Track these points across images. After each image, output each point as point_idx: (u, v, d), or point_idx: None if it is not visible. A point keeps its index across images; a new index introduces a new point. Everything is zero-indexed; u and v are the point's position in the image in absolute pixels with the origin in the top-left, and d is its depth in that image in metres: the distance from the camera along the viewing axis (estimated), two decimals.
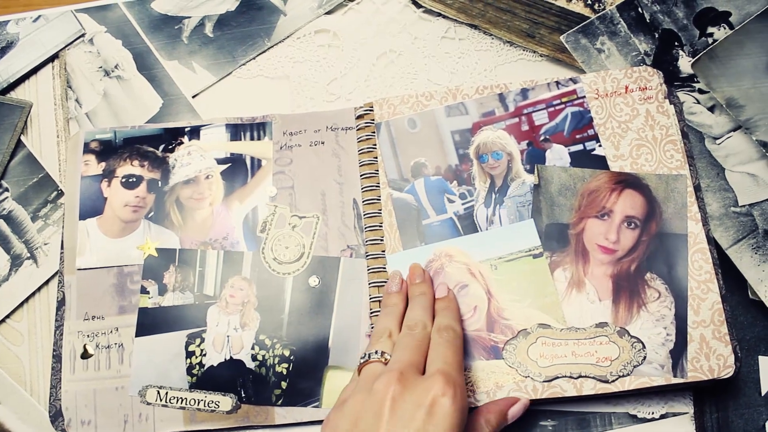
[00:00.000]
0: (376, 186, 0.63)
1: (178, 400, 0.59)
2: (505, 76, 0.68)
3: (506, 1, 0.69)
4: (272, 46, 0.71)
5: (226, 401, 0.59)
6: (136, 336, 0.61)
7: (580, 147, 0.62)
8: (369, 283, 0.61)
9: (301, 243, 0.63)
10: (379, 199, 0.62)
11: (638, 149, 0.61)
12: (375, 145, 0.64)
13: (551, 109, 0.64)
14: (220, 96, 0.70)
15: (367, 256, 0.61)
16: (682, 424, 0.58)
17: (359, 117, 0.65)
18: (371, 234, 0.62)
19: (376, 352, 0.51)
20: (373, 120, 0.65)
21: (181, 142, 0.66)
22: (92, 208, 0.64)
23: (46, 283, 0.65)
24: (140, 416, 0.59)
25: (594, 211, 0.60)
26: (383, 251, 0.61)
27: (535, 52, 0.68)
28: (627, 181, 0.60)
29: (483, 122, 0.64)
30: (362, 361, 0.51)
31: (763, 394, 0.58)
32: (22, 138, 0.69)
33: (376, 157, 0.64)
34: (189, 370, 0.60)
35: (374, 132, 0.64)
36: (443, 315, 0.55)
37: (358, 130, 0.65)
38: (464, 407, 0.47)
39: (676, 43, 0.66)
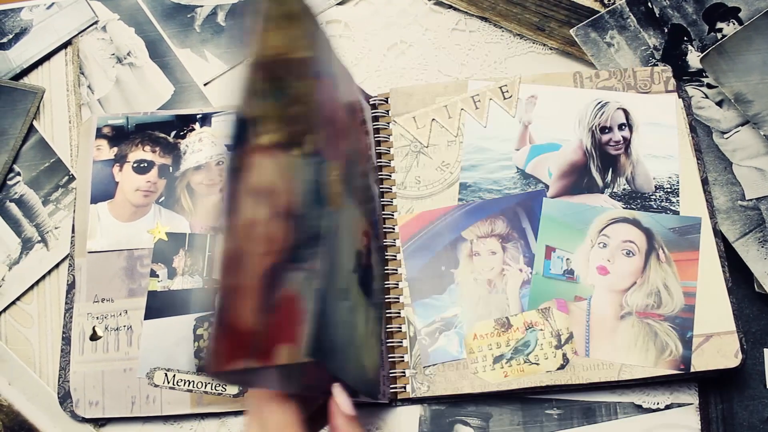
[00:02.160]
0: (389, 189, 0.63)
1: (185, 383, 0.60)
2: (515, 68, 0.68)
3: None
4: None
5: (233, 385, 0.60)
6: (145, 319, 0.61)
7: None
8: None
9: None
10: (392, 202, 0.63)
11: None
12: (389, 135, 0.64)
13: None
14: (231, 84, 0.70)
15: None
16: (687, 414, 0.58)
17: (371, 107, 0.66)
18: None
19: None
20: (388, 111, 0.65)
21: (193, 129, 0.66)
22: (103, 192, 0.65)
23: (57, 266, 0.66)
24: (148, 398, 0.60)
25: None
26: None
27: (545, 45, 0.69)
28: None
29: None
30: None
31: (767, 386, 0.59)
32: (35, 123, 0.69)
33: (389, 148, 0.64)
34: (197, 353, 0.60)
35: (388, 123, 0.65)
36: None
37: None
38: None
39: (685, 38, 0.67)
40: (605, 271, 0.59)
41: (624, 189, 0.61)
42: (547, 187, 0.62)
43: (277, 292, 0.42)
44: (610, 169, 0.62)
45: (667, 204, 0.60)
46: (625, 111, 0.63)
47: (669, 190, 0.61)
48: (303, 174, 0.45)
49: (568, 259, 0.60)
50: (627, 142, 0.63)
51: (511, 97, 0.65)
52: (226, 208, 0.43)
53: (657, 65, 0.66)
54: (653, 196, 0.61)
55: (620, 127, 0.63)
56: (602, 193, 0.62)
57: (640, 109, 0.63)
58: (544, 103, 0.64)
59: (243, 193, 0.43)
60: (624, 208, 0.61)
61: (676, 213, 0.60)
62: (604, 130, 0.63)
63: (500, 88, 0.65)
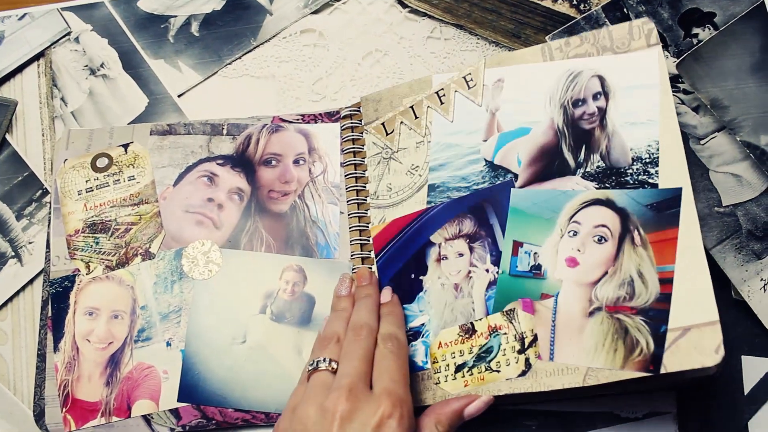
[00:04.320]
0: (364, 200, 0.63)
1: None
2: None
3: (492, 1, 0.69)
4: (258, 46, 0.71)
5: None
6: None
7: None
8: None
9: None
10: (367, 213, 0.62)
11: None
12: (363, 145, 0.64)
13: None
14: (205, 95, 0.70)
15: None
16: (665, 423, 0.58)
17: (345, 117, 0.65)
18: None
19: (324, 360, 0.51)
20: (361, 121, 0.64)
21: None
22: None
23: (31, 282, 0.65)
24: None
25: None
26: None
27: None
28: None
29: None
30: (311, 368, 0.51)
31: (745, 394, 0.58)
32: (7, 136, 0.69)
33: (364, 158, 0.63)
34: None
35: (362, 133, 0.64)
36: (387, 321, 0.55)
37: (342, 130, 0.65)
38: (411, 426, 0.48)
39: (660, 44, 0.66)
40: (574, 263, 0.54)
41: (598, 167, 0.57)
42: (516, 176, 0.58)
43: (121, 369, 0.59)
44: (583, 146, 0.57)
45: (645, 177, 0.55)
46: (600, 78, 0.58)
47: (648, 160, 0.56)
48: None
49: (535, 253, 0.55)
50: (602, 112, 0.58)
51: (476, 85, 0.61)
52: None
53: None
54: (630, 170, 0.56)
55: (595, 96, 0.58)
56: (574, 174, 0.57)
57: (617, 72, 0.58)
58: (512, 85, 0.60)
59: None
60: (597, 188, 0.56)
61: (655, 186, 0.55)
62: (577, 103, 0.58)
63: (464, 77, 0.62)
